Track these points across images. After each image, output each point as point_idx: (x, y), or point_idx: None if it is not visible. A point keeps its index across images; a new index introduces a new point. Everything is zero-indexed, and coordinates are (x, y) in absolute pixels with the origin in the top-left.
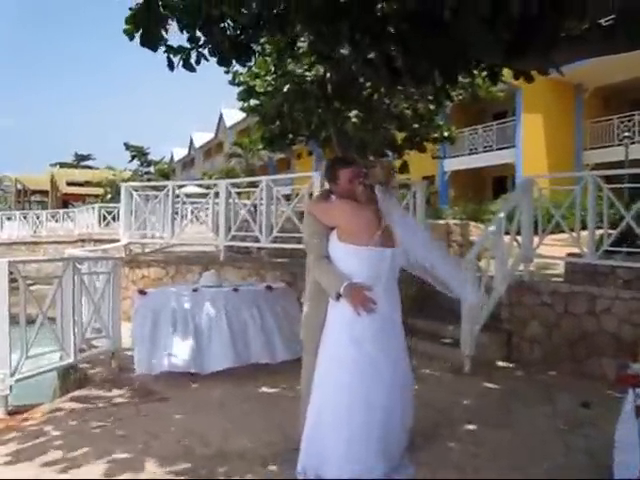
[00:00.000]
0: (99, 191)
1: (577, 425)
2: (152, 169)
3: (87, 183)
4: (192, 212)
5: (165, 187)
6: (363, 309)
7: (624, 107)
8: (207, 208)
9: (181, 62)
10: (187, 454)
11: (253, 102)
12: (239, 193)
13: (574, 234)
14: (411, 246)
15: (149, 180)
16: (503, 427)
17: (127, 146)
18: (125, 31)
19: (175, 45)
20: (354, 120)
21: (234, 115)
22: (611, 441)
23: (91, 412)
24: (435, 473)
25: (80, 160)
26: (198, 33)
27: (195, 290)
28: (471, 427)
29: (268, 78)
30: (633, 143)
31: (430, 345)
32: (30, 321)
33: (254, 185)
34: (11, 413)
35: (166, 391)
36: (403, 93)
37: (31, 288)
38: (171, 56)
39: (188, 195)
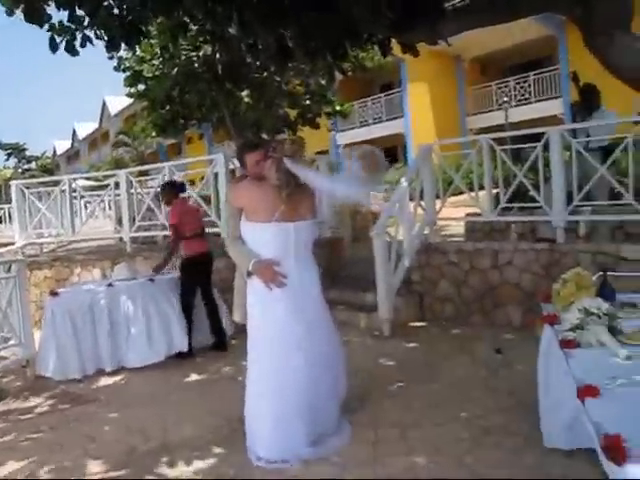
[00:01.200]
0: None
1: (495, 370)
2: (34, 165)
3: None
4: (89, 206)
5: (60, 182)
6: (273, 283)
7: (499, 74)
8: (108, 200)
9: (64, 44)
10: (129, 452)
11: (141, 88)
12: (139, 182)
13: (473, 194)
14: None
15: (32, 177)
16: (430, 381)
17: (0, 145)
18: (3, 3)
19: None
20: (246, 100)
21: (118, 102)
22: (528, 380)
23: (16, 425)
24: (377, 431)
25: None
26: (79, 12)
27: (110, 285)
28: (400, 385)
29: (155, 62)
30: (511, 107)
31: (347, 313)
32: None
33: (146, 173)
34: None
35: (90, 393)
36: (294, 70)
37: None
38: (55, 36)
39: (83, 188)
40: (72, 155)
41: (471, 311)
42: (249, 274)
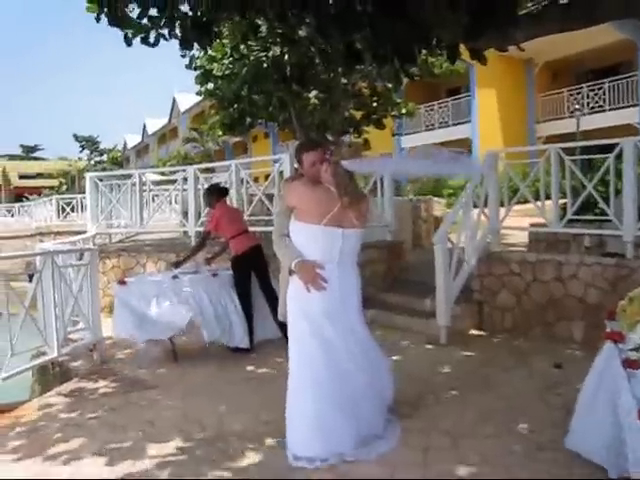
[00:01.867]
0: (54, 183)
1: (553, 385)
2: (105, 157)
3: (40, 175)
4: (157, 199)
5: (131, 176)
6: (312, 286)
7: (572, 80)
8: (175, 195)
9: (139, 39)
10: (186, 439)
11: (211, 86)
12: (205, 178)
13: (539, 204)
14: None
15: (103, 169)
16: (485, 391)
17: (76, 137)
18: (88, 9)
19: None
20: (313, 101)
21: (188, 100)
22: None
23: (82, 404)
24: (428, 438)
25: (28, 151)
26: (154, 11)
27: (175, 277)
28: (454, 393)
29: (225, 61)
30: (583, 115)
31: (405, 319)
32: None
33: (213, 170)
34: (0, 410)
35: (152, 379)
36: (360, 72)
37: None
38: (129, 34)
39: (153, 182)
40: (141, 149)
41: (531, 323)
42: (291, 272)
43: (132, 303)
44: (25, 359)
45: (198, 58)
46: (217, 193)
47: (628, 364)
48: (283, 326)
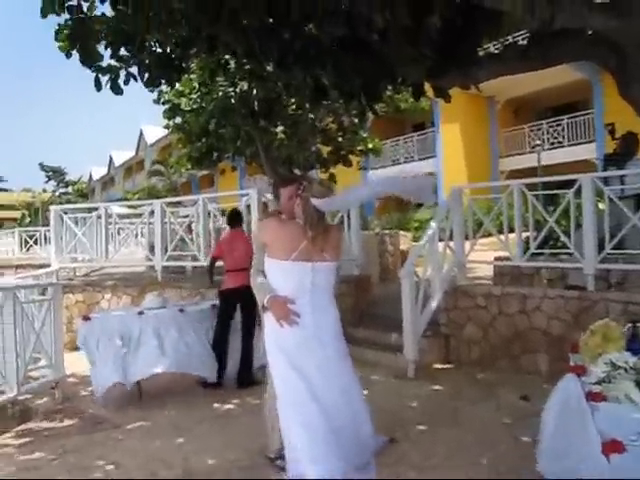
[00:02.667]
0: (16, 214)
1: (520, 417)
2: (70, 189)
3: (1, 207)
4: (122, 233)
5: (96, 209)
6: (284, 321)
7: (532, 117)
8: (141, 228)
9: (109, 83)
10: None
11: (179, 120)
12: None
13: (502, 238)
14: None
15: (68, 201)
16: (453, 425)
17: (42, 167)
18: (60, 48)
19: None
20: (280, 136)
21: (155, 132)
22: None
23: (41, 445)
24: (397, 474)
25: None
26: (123, 51)
27: (140, 313)
28: (423, 428)
29: (193, 96)
30: (544, 150)
31: (372, 353)
32: None
33: (179, 203)
34: None
35: (116, 418)
36: (327, 108)
37: None
38: (99, 75)
39: (119, 216)
40: (108, 181)
41: (498, 356)
42: (264, 308)
43: (94, 347)
44: None
45: (166, 93)
46: (228, 219)
47: (591, 397)
48: (245, 364)
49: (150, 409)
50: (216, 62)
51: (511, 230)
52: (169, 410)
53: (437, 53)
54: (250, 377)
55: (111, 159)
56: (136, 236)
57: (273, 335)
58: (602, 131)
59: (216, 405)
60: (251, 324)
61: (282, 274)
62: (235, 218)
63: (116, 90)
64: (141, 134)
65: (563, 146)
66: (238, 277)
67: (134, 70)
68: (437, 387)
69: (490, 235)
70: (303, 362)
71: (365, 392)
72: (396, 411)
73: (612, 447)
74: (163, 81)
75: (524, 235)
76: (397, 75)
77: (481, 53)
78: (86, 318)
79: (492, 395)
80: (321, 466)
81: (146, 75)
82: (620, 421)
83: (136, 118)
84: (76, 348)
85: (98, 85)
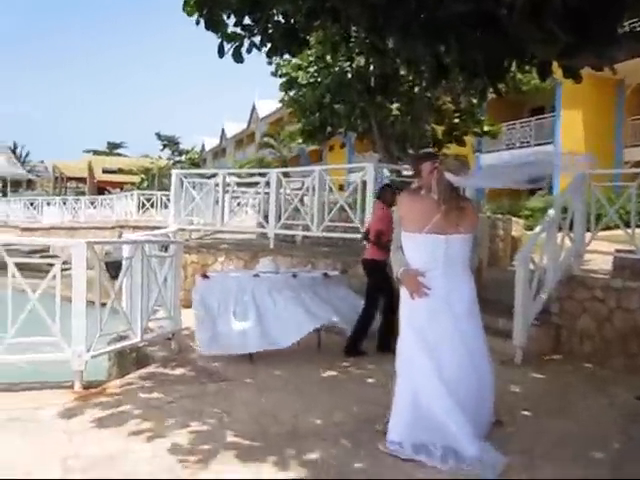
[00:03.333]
0: (135, 179)
1: (634, 416)
2: (183, 158)
3: (121, 171)
4: (235, 200)
5: (215, 175)
6: (416, 294)
7: None
8: (254, 198)
9: (232, 50)
10: (261, 432)
11: (294, 93)
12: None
13: (629, 230)
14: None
15: (181, 169)
16: (559, 416)
17: (159, 136)
18: (188, 13)
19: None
20: (395, 112)
21: (267, 106)
22: None
23: (161, 388)
24: (504, 453)
25: (113, 148)
26: (248, 20)
27: (256, 275)
28: (528, 414)
29: (310, 70)
30: None
31: None
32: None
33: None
34: (85, 388)
35: (228, 372)
36: (444, 87)
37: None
38: (224, 43)
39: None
40: (219, 151)
41: (612, 352)
42: (398, 280)
43: (212, 304)
44: (104, 343)
45: (284, 66)
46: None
47: None
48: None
49: (260, 366)
50: (339, 35)
51: (638, 225)
52: (278, 369)
53: (569, 31)
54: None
55: (223, 131)
56: (247, 204)
57: (405, 307)
58: None
59: (322, 369)
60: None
61: (415, 247)
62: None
63: (238, 58)
64: (253, 108)
65: None
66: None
67: (257, 40)
68: (544, 376)
69: (609, 228)
70: (434, 336)
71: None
72: (501, 395)
73: None
74: (285, 51)
75: None
76: (525, 52)
77: (620, 31)
78: (204, 276)
79: (603, 391)
80: (417, 448)
81: (268, 45)
82: None
83: (249, 92)
84: (188, 306)
85: (221, 52)
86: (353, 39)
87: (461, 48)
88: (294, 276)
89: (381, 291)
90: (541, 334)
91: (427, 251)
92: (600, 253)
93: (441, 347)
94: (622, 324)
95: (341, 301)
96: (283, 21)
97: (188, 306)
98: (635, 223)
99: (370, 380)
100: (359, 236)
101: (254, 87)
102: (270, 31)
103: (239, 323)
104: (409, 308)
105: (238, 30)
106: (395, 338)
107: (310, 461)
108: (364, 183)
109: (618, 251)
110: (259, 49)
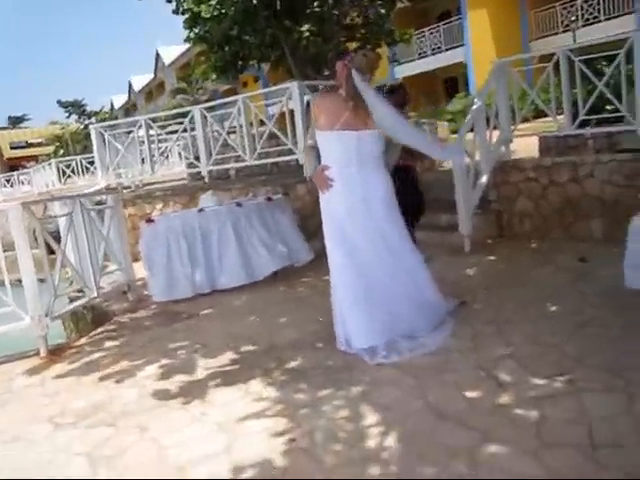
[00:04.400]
0: (49, 150)
1: (581, 275)
2: (93, 120)
3: (31, 145)
4: (163, 146)
5: (136, 123)
6: (323, 189)
7: None
8: (182, 140)
9: None
10: (239, 353)
11: (199, 30)
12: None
13: (550, 109)
14: (385, 126)
15: None
16: (517, 286)
17: (60, 103)
18: None
19: None
20: (306, 35)
21: (172, 52)
22: (617, 284)
23: (129, 336)
24: (474, 327)
25: (15, 122)
26: None
27: (200, 210)
28: (488, 290)
29: (212, 2)
30: (578, 28)
31: (424, 234)
32: None
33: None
34: (51, 352)
35: (192, 310)
36: (352, 2)
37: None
38: None
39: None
40: (130, 107)
41: (551, 226)
42: (310, 181)
43: (160, 249)
44: (61, 305)
45: (184, 1)
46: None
47: None
48: None
49: (222, 299)
50: None
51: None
52: (241, 298)
53: None
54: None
55: (130, 85)
56: (175, 150)
57: (325, 205)
58: None
59: (285, 290)
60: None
61: (328, 144)
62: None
63: None
64: (157, 56)
65: (600, 21)
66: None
67: None
68: (494, 258)
69: (527, 120)
70: (354, 231)
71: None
72: (459, 280)
73: None
74: None
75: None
76: None
77: None
78: (149, 220)
79: (549, 260)
80: (364, 339)
81: None
82: None
83: (151, 42)
84: (135, 260)
85: None
86: None
87: None
88: (238, 205)
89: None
90: (484, 221)
91: (340, 148)
92: (527, 136)
93: (361, 244)
94: (556, 198)
95: (285, 224)
96: None
97: (135, 260)
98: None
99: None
100: (295, 157)
101: (155, 36)
102: None
103: (190, 265)
104: (329, 213)
105: None
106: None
107: (293, 369)
108: (291, 111)
109: (544, 131)
110: None
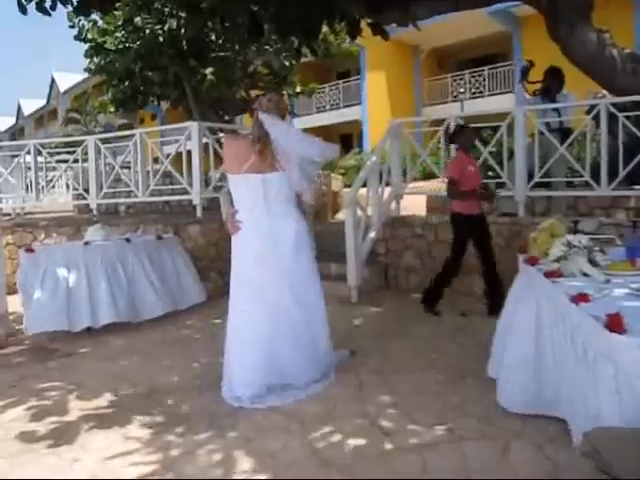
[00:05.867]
0: None
1: (462, 329)
2: None
3: None
4: (51, 174)
5: (24, 147)
6: (232, 230)
7: (455, 67)
8: (72, 169)
9: (35, 5)
10: (119, 395)
11: (100, 60)
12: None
13: (439, 170)
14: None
15: None
16: (401, 337)
17: None
18: None
19: None
20: (210, 77)
21: (68, 79)
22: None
23: None
24: (359, 377)
25: None
26: None
27: (86, 243)
28: (374, 341)
29: (118, 34)
30: (466, 99)
31: None
32: None
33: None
34: None
35: (67, 347)
36: (258, 51)
37: None
38: None
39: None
40: (16, 132)
41: None
42: (226, 224)
43: (38, 280)
44: None
45: (89, 30)
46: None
47: (550, 274)
48: (492, 295)
49: (101, 336)
50: None
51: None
52: (122, 337)
53: None
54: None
55: (20, 108)
56: (64, 178)
57: (235, 249)
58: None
59: (173, 330)
60: (490, 254)
61: (236, 188)
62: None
63: (43, 11)
64: (53, 81)
65: (484, 96)
66: (478, 202)
67: None
68: (380, 309)
69: (417, 180)
70: (260, 276)
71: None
72: (347, 330)
73: (580, 298)
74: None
75: None
76: (337, 9)
77: None
78: (29, 250)
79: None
80: (250, 389)
81: (75, 1)
82: (579, 289)
83: (44, 66)
84: (10, 292)
85: (22, 8)
86: None
87: (278, 4)
88: (127, 240)
89: (464, 245)
90: (372, 273)
91: (247, 191)
92: (416, 194)
93: (266, 290)
94: (440, 254)
95: (174, 265)
96: None
97: (11, 293)
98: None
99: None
100: (189, 198)
101: (50, 60)
102: None
103: (70, 298)
104: (238, 253)
105: None
106: (503, 298)
107: (174, 413)
108: (188, 151)
109: (432, 190)
110: (64, 4)
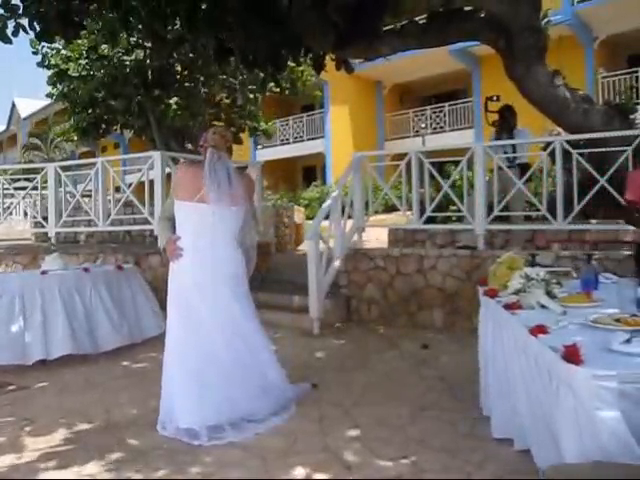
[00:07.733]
0: None
1: (423, 361)
2: None
3: None
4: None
5: None
6: (172, 257)
7: (417, 103)
8: (30, 196)
9: None
10: (75, 432)
11: (63, 88)
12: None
13: (400, 208)
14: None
15: None
16: (363, 370)
17: None
18: None
19: None
20: (174, 107)
21: (29, 105)
22: (456, 368)
23: None
24: (320, 410)
25: None
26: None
27: (43, 272)
28: (335, 374)
29: (82, 62)
30: (427, 134)
31: (276, 314)
32: None
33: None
34: None
35: (20, 381)
36: (222, 83)
37: None
38: None
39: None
40: None
41: (397, 313)
42: (164, 251)
43: None
44: None
45: (52, 56)
46: None
47: (509, 307)
48: None
49: (56, 369)
50: (119, 20)
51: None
52: (78, 369)
53: (344, 25)
54: None
55: None
56: (21, 206)
57: (174, 276)
58: (480, 116)
59: (127, 363)
60: None
61: (185, 215)
62: None
63: (4, 39)
64: (13, 107)
65: (445, 131)
66: None
67: (24, 21)
68: (342, 341)
69: (379, 212)
70: (200, 304)
71: (274, 347)
72: (308, 362)
73: (539, 330)
74: (59, 36)
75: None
76: (303, 43)
77: (384, 29)
78: None
79: (395, 346)
80: (190, 419)
81: (38, 28)
82: (537, 321)
83: (7, 90)
84: None
85: None
86: (134, 26)
87: (245, 34)
88: (86, 270)
89: None
90: (334, 305)
91: (196, 220)
92: (378, 227)
93: (206, 320)
94: (402, 287)
95: (133, 296)
96: (56, 2)
97: None
98: (405, 202)
99: None
100: (150, 228)
101: (11, 85)
102: (41, 11)
103: (23, 329)
104: (176, 284)
105: (1, 11)
106: None
107: (132, 449)
108: (150, 181)
109: (394, 224)
110: (26, 32)
